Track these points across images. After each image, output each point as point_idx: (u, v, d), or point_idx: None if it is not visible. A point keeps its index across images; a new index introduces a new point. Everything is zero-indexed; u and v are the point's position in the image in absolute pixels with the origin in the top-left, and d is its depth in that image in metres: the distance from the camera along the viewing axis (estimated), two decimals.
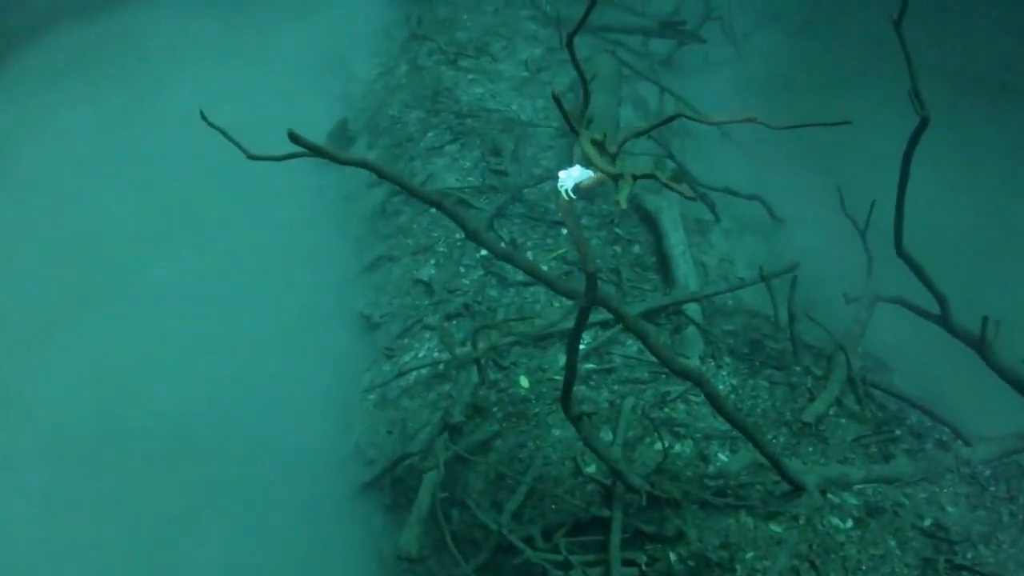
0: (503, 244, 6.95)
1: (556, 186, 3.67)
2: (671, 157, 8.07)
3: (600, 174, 3.48)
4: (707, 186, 7.97)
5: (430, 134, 8.45)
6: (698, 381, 4.43)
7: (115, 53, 10.15)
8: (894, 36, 4.46)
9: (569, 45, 3.46)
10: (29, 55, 10.24)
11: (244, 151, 3.74)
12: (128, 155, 8.43)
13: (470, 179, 7.83)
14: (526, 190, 7.63)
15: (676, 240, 7.10)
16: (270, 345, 6.82)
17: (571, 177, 3.59)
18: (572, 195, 3.60)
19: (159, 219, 7.76)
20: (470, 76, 9.22)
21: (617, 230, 7.26)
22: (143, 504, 6.07)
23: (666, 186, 3.15)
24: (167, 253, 7.49)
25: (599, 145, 3.44)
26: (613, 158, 3.43)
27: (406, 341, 6.71)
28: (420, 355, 6.51)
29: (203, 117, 3.74)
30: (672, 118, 3.42)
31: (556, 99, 3.43)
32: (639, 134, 3.55)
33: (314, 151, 3.65)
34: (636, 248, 7.16)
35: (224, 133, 3.74)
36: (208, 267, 7.33)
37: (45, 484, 6.23)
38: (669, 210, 7.33)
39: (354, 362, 6.80)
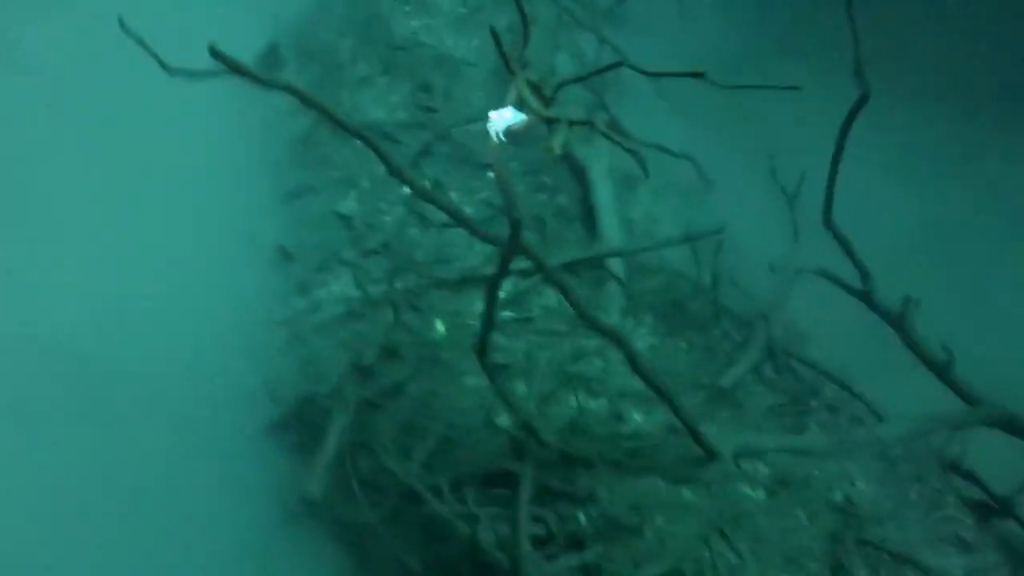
0: (427, 183, 6.78)
1: (486, 127, 3.49)
2: (604, 108, 7.92)
3: (533, 118, 3.33)
4: (639, 140, 7.84)
5: (360, 64, 8.17)
6: (617, 339, 4.33)
7: None
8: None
9: None
10: None
11: (163, 65, 3.54)
12: (37, 60, 8.03)
13: (398, 114, 7.60)
14: (454, 130, 7.43)
15: (603, 193, 6.98)
16: (179, 272, 6.54)
17: (503, 119, 3.41)
18: (503, 139, 3.43)
19: (69, 131, 7.39)
20: (407, 8, 8.93)
21: (544, 178, 7.11)
22: (36, 436, 5.81)
23: (603, 134, 3.00)
24: (75, 168, 7.14)
25: (535, 87, 3.29)
26: (548, 102, 3.28)
27: (321, 276, 6.49)
28: (334, 291, 6.32)
29: (122, 25, 3.53)
30: (613, 66, 3.28)
31: (494, 35, 3.28)
32: (577, 79, 3.41)
33: (236, 69, 3.46)
34: (562, 198, 7.03)
35: (143, 43, 3.53)
36: (118, 185, 6.98)
37: None
38: (598, 162, 7.18)
39: (266, 295, 6.55)
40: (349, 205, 6.86)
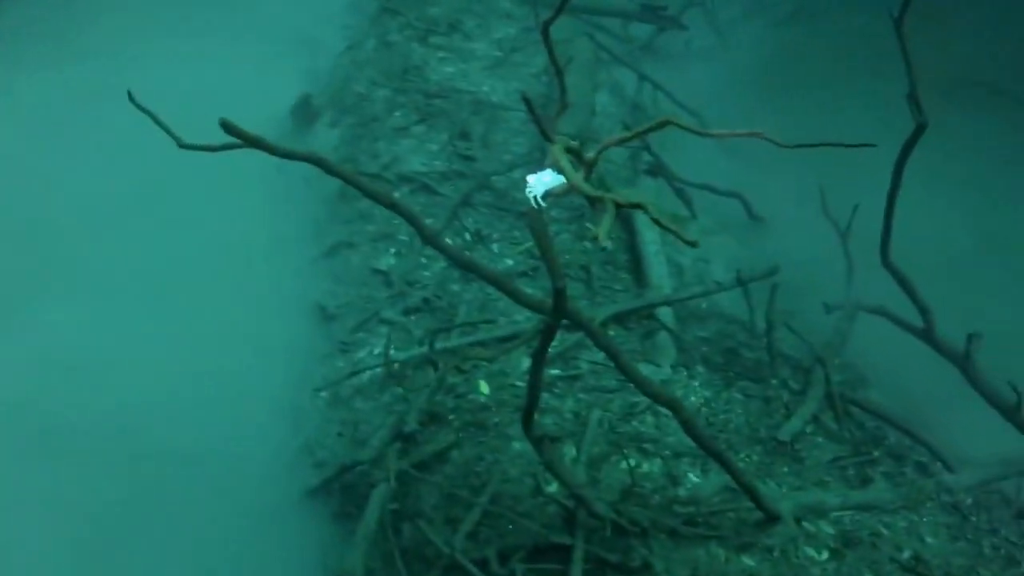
0: (468, 234, 6.63)
1: (526, 193, 3.29)
2: (647, 150, 7.72)
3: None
4: (684, 181, 7.66)
5: (397, 114, 8.06)
6: (673, 407, 4.11)
7: (76, 20, 9.69)
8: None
9: (545, 33, 3.12)
10: None
11: (176, 139, 3.41)
12: (86, 128, 7.98)
13: (436, 163, 7.47)
14: (494, 178, 7.28)
15: (650, 238, 6.78)
16: (221, 333, 6.44)
17: (542, 183, 3.20)
18: (542, 203, 3.23)
19: (114, 197, 7.34)
20: (440, 54, 8.84)
21: (588, 224, 6.91)
22: (77, 500, 5.68)
23: (658, 224, 2.76)
24: (120, 233, 7.08)
25: (575, 153, 3.07)
26: (590, 168, 3.06)
27: (361, 335, 6.33)
28: (376, 351, 6.14)
29: (131, 100, 3.39)
30: (660, 124, 3.06)
31: (526, 101, 3.09)
32: (622, 141, 3.19)
33: (250, 142, 3.31)
34: (607, 245, 6.81)
35: (154, 118, 3.40)
36: (161, 249, 6.93)
37: None
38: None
39: (308, 356, 6.41)
40: (388, 261, 6.71)
